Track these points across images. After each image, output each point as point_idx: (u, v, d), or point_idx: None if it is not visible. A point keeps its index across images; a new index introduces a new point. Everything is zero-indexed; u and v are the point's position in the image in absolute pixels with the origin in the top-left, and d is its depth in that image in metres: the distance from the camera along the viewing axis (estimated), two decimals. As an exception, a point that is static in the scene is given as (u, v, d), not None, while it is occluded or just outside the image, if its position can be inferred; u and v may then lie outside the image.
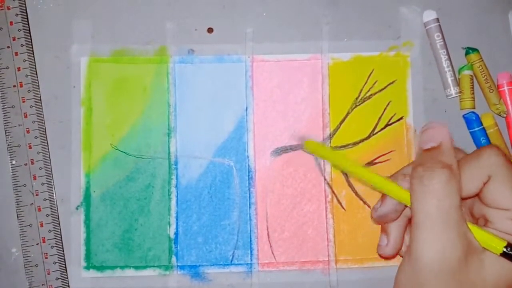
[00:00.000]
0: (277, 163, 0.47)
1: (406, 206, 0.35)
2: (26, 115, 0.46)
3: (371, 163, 0.47)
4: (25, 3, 0.47)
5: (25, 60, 0.47)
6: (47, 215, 0.46)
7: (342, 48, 0.48)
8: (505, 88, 0.47)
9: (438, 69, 0.48)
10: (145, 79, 0.47)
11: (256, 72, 0.48)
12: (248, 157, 0.47)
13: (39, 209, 0.45)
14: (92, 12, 0.48)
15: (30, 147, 0.46)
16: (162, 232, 0.46)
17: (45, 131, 0.46)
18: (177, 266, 0.46)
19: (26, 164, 0.46)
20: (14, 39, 0.47)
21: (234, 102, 0.47)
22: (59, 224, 0.46)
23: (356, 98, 0.48)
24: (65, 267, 0.46)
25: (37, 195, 0.46)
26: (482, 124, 0.47)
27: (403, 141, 0.47)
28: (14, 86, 0.46)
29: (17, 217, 0.45)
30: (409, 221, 0.37)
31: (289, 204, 0.47)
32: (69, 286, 0.46)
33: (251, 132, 0.47)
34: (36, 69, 0.47)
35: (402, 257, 0.38)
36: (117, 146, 0.47)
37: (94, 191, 0.46)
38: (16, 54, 0.46)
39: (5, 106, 0.46)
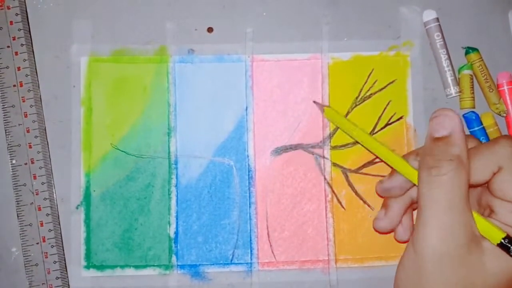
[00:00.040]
0: (277, 163, 0.47)
1: (412, 185, 0.36)
2: (26, 114, 0.46)
3: (371, 163, 0.47)
4: (25, 3, 0.47)
5: (25, 60, 0.47)
6: (47, 215, 0.46)
7: (342, 47, 0.48)
8: (505, 87, 0.47)
9: (438, 69, 0.48)
10: (145, 79, 0.47)
11: (256, 72, 0.48)
12: (248, 156, 0.47)
13: (39, 209, 0.46)
14: (92, 12, 0.48)
15: (30, 147, 0.46)
16: (162, 231, 0.46)
17: (45, 130, 0.46)
18: (177, 265, 0.46)
19: (26, 164, 0.46)
20: (14, 38, 0.47)
21: (234, 102, 0.48)
22: (59, 224, 0.46)
23: (356, 98, 0.48)
24: (65, 267, 0.46)
25: (37, 194, 0.46)
26: (482, 124, 0.47)
27: (403, 141, 0.47)
28: (14, 85, 0.46)
29: (17, 216, 0.45)
30: (412, 203, 0.38)
31: (289, 204, 0.47)
32: (69, 286, 0.46)
33: (251, 131, 0.47)
34: (36, 69, 0.47)
35: (396, 240, 0.39)
36: (117, 145, 0.47)
37: (94, 191, 0.46)
38: (16, 53, 0.47)
39: (5, 106, 0.46)
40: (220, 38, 0.48)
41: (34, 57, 0.47)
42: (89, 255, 0.46)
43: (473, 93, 0.47)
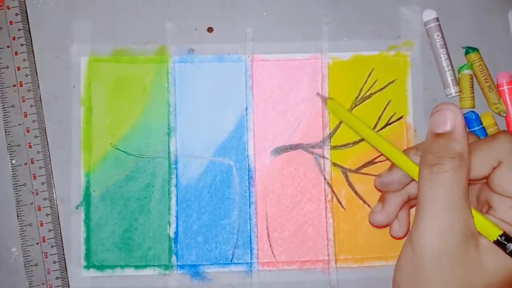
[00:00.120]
0: (277, 163, 0.47)
1: (411, 181, 0.36)
2: (26, 114, 0.46)
3: (371, 162, 0.47)
4: (25, 3, 0.47)
5: (25, 60, 0.47)
6: (47, 215, 0.46)
7: (342, 47, 0.48)
8: (505, 87, 0.47)
9: (438, 69, 0.48)
10: (145, 78, 0.47)
11: (256, 72, 0.48)
12: (248, 156, 0.47)
13: (39, 209, 0.46)
14: (92, 12, 0.48)
15: (30, 147, 0.46)
16: (162, 231, 0.46)
17: (45, 130, 0.46)
18: (177, 265, 0.46)
19: (26, 164, 0.46)
20: (14, 38, 0.47)
21: (234, 102, 0.48)
22: (59, 224, 0.46)
23: (356, 98, 0.48)
24: (65, 267, 0.46)
25: (37, 194, 0.46)
26: (482, 124, 0.47)
27: (403, 140, 0.47)
28: (14, 85, 0.46)
29: (17, 216, 0.45)
30: (409, 199, 0.38)
31: (289, 204, 0.47)
32: (69, 286, 0.46)
33: (251, 131, 0.47)
34: (36, 69, 0.47)
35: (391, 235, 0.39)
36: (117, 145, 0.47)
37: (94, 191, 0.46)
38: (16, 53, 0.47)
39: (5, 106, 0.46)
40: (220, 38, 0.48)
41: (34, 57, 0.47)
42: (89, 255, 0.46)
43: (473, 93, 0.47)
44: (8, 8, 0.47)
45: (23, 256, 0.45)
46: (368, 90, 0.48)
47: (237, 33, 0.48)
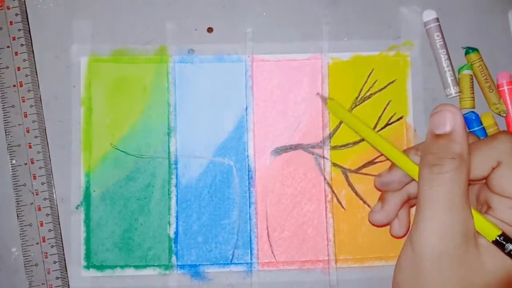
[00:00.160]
0: (277, 163, 0.47)
1: (410, 181, 0.36)
2: (26, 114, 0.46)
3: (371, 163, 0.47)
4: (25, 3, 0.47)
5: (25, 60, 0.47)
6: (47, 215, 0.46)
7: (342, 47, 0.48)
8: (505, 87, 0.47)
9: (438, 69, 0.48)
10: (145, 79, 0.47)
11: (256, 72, 0.48)
12: (248, 156, 0.47)
13: (39, 209, 0.46)
14: (92, 12, 0.48)
15: (30, 147, 0.46)
16: (162, 231, 0.46)
17: (45, 130, 0.46)
18: (177, 265, 0.46)
19: (26, 164, 0.46)
20: (14, 39, 0.47)
21: (234, 102, 0.48)
22: (59, 224, 0.46)
23: (356, 98, 0.48)
24: (65, 267, 0.46)
25: (37, 194, 0.46)
26: (482, 124, 0.47)
27: (403, 141, 0.47)
28: (14, 85, 0.46)
29: (17, 216, 0.45)
30: (409, 198, 0.38)
31: (289, 204, 0.47)
32: (69, 286, 0.46)
33: (251, 131, 0.47)
34: (36, 69, 0.47)
35: (391, 235, 0.39)
36: (117, 145, 0.47)
37: (94, 191, 0.46)
38: (16, 54, 0.47)
39: (5, 106, 0.46)
40: (220, 38, 0.48)
41: (34, 57, 0.47)
42: (89, 255, 0.46)
43: (473, 93, 0.47)
44: (8, 8, 0.47)
45: (23, 256, 0.45)
46: (368, 90, 0.48)
47: (237, 33, 0.48)
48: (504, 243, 0.30)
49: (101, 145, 0.47)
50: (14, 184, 0.46)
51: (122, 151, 0.47)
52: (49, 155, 0.46)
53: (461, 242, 0.30)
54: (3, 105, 0.46)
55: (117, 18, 0.48)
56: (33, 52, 0.47)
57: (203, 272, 0.46)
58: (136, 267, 0.46)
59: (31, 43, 0.47)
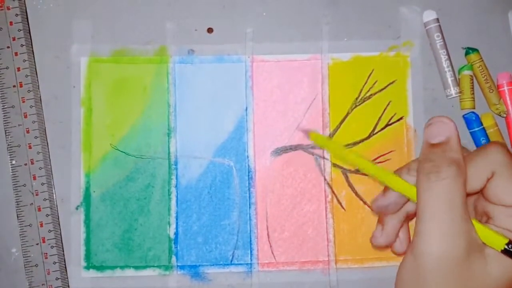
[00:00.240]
0: (277, 163, 0.47)
1: (407, 201, 0.36)
2: (26, 115, 0.46)
3: (371, 163, 0.47)
4: (25, 3, 0.47)
5: (25, 60, 0.47)
6: (47, 215, 0.46)
7: (342, 48, 0.48)
8: (505, 88, 0.47)
9: (438, 69, 0.48)
10: (145, 79, 0.47)
11: (256, 72, 0.48)
12: (248, 157, 0.47)
13: (39, 209, 0.46)
14: (92, 12, 0.48)
15: (30, 147, 0.46)
16: (162, 232, 0.46)
17: (45, 131, 0.46)
18: (177, 266, 0.46)
19: (26, 164, 0.46)
20: (14, 39, 0.47)
21: (234, 102, 0.47)
22: (59, 224, 0.46)
23: (356, 98, 0.48)
24: (65, 267, 0.46)
25: (37, 195, 0.46)
26: (482, 124, 0.47)
27: (403, 141, 0.47)
28: (14, 86, 0.46)
29: (17, 217, 0.45)
30: (407, 216, 0.38)
31: (289, 204, 0.47)
32: (69, 286, 0.46)
33: (251, 132, 0.47)
34: (36, 69, 0.47)
35: (393, 252, 0.39)
36: (117, 146, 0.47)
37: (94, 191, 0.46)
38: (16, 54, 0.46)
39: (5, 106, 0.46)
40: (220, 39, 0.48)
41: (34, 58, 0.47)
42: (89, 255, 0.46)
43: (473, 93, 0.47)
44: (8, 8, 0.47)
45: (23, 257, 0.45)
46: (368, 90, 0.48)
47: (237, 34, 0.48)
48: None
49: (101, 146, 0.47)
50: (14, 184, 0.46)
51: (122, 151, 0.47)
52: (49, 156, 0.46)
53: (463, 251, 0.30)
54: (3, 106, 0.46)
55: (117, 18, 0.48)
56: (33, 52, 0.47)
57: (203, 273, 0.46)
58: (136, 267, 0.46)
59: (31, 43, 0.47)
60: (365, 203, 0.47)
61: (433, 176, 0.31)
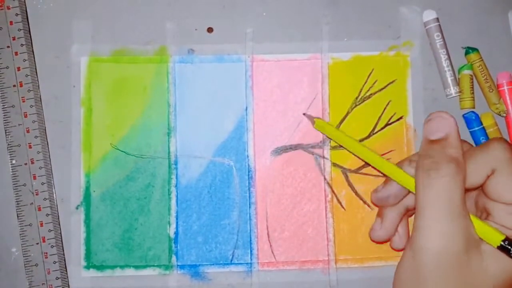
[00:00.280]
0: (277, 163, 0.47)
1: (407, 194, 0.36)
2: (26, 114, 0.46)
3: (371, 163, 0.47)
4: (25, 3, 0.47)
5: (25, 60, 0.47)
6: (47, 215, 0.46)
7: (342, 48, 0.48)
8: (505, 87, 0.47)
9: (438, 69, 0.48)
10: (145, 79, 0.47)
11: (256, 72, 0.48)
12: (248, 156, 0.47)
13: (39, 209, 0.46)
14: (92, 12, 0.48)
15: (30, 147, 0.46)
16: (162, 231, 0.46)
17: (45, 131, 0.46)
18: (177, 265, 0.46)
19: (26, 164, 0.46)
20: (14, 39, 0.47)
21: (234, 102, 0.47)
22: (59, 224, 0.46)
23: (356, 98, 0.48)
24: (65, 267, 0.46)
25: (37, 194, 0.46)
26: (482, 124, 0.47)
27: (403, 141, 0.47)
28: (14, 86, 0.46)
29: (17, 216, 0.45)
30: (407, 211, 0.38)
31: (289, 204, 0.47)
32: (69, 286, 0.46)
33: (251, 131, 0.47)
34: (36, 69, 0.47)
35: (392, 248, 0.39)
36: (117, 145, 0.47)
37: (94, 191, 0.46)
38: (16, 54, 0.47)
39: (5, 106, 0.46)
40: (220, 38, 0.48)
41: (34, 57, 0.47)
42: (89, 255, 0.46)
43: (473, 93, 0.47)
44: (8, 8, 0.47)
45: (23, 256, 0.45)
46: (368, 90, 0.48)
47: (237, 33, 0.48)
48: (510, 247, 0.30)
49: (101, 145, 0.47)
50: (14, 184, 0.46)
51: (122, 151, 0.47)
52: (49, 155, 0.46)
53: (462, 248, 0.30)
54: (3, 105, 0.46)
55: (117, 18, 0.48)
56: (33, 52, 0.47)
57: (203, 272, 0.46)
58: (136, 267, 0.46)
59: (31, 43, 0.47)
60: (365, 202, 0.47)
61: (433, 173, 0.31)
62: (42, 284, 0.45)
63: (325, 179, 0.47)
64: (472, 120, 0.47)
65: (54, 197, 0.46)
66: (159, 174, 0.47)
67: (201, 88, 0.47)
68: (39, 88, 0.47)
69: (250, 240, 0.46)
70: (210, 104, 0.47)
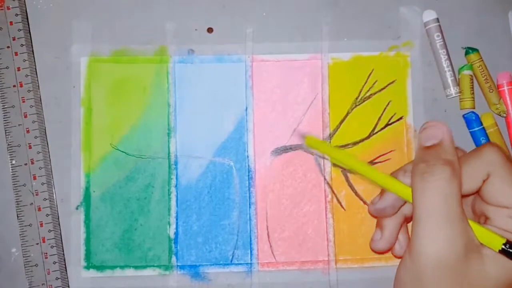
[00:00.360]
0: (277, 163, 0.47)
1: (404, 203, 0.36)
2: (26, 115, 0.46)
3: (371, 163, 0.47)
4: (25, 3, 0.47)
5: (25, 60, 0.47)
6: (47, 215, 0.46)
7: (342, 48, 0.48)
8: (505, 88, 0.47)
9: (438, 69, 0.48)
10: (145, 79, 0.47)
11: (256, 72, 0.48)
12: (248, 157, 0.47)
13: (39, 209, 0.46)
14: (92, 12, 0.48)
15: (30, 147, 0.46)
16: (162, 232, 0.46)
17: (45, 131, 0.46)
18: (177, 266, 0.46)
19: (26, 164, 0.46)
20: (14, 39, 0.47)
21: (234, 102, 0.47)
22: (59, 224, 0.46)
23: (356, 98, 0.48)
24: (65, 267, 0.46)
25: (37, 195, 0.46)
26: (482, 124, 0.47)
27: (403, 141, 0.47)
28: (14, 86, 0.46)
29: (17, 217, 0.45)
30: (405, 219, 0.38)
31: (289, 204, 0.47)
32: (69, 286, 0.46)
33: (251, 132, 0.47)
34: (36, 69, 0.47)
35: (393, 255, 0.39)
36: (117, 146, 0.47)
37: (94, 191, 0.46)
38: (16, 54, 0.47)
39: (5, 106, 0.46)
40: (220, 38, 0.48)
41: (34, 58, 0.47)
42: (89, 255, 0.46)
43: (473, 93, 0.47)
44: (8, 8, 0.47)
45: (23, 257, 0.45)
46: (368, 90, 0.48)
47: (237, 33, 0.48)
48: (511, 250, 0.30)
49: (101, 146, 0.47)
50: (14, 184, 0.46)
51: (122, 151, 0.47)
52: (49, 156, 0.46)
53: (462, 252, 0.30)
54: (3, 105, 0.46)
55: (117, 18, 0.48)
56: (33, 52, 0.47)
57: (203, 273, 0.46)
58: (136, 267, 0.46)
59: (31, 43, 0.47)
60: (365, 203, 0.47)
61: (428, 176, 0.31)
62: (42, 284, 0.45)
63: (325, 179, 0.47)
64: (472, 120, 0.47)
65: (54, 197, 0.46)
66: (159, 174, 0.47)
67: (201, 88, 0.47)
68: (39, 88, 0.47)
69: (250, 240, 0.46)
70: (210, 104, 0.47)
